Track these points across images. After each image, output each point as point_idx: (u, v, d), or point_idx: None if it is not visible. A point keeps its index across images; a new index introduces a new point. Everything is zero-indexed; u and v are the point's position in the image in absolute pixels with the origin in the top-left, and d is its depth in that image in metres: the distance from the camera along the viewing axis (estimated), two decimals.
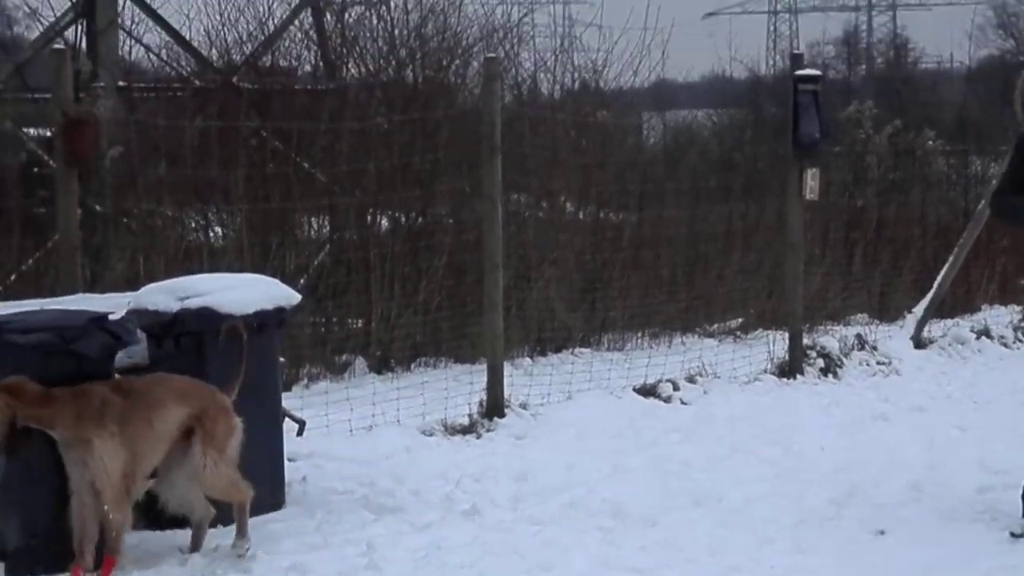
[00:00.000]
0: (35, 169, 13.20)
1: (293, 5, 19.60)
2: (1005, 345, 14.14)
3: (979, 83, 37.60)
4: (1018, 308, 15.08)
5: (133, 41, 19.68)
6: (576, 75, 19.03)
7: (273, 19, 19.01)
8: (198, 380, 7.77)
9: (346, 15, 20.48)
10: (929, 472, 9.01)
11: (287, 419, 9.22)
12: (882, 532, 8.20)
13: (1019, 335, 14.42)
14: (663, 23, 18.47)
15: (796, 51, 16.10)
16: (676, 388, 12.16)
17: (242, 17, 18.89)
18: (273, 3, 19.37)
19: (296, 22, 19.60)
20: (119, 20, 19.22)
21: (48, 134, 12.52)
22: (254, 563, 7.72)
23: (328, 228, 14.80)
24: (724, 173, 17.74)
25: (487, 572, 7.45)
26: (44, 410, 7.08)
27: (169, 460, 7.51)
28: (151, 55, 20.20)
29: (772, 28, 58.68)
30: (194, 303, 8.27)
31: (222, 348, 8.10)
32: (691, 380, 12.45)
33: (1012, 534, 7.48)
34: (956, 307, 15.01)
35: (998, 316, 15.01)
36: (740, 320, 15.12)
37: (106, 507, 7.13)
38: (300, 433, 9.43)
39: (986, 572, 7.14)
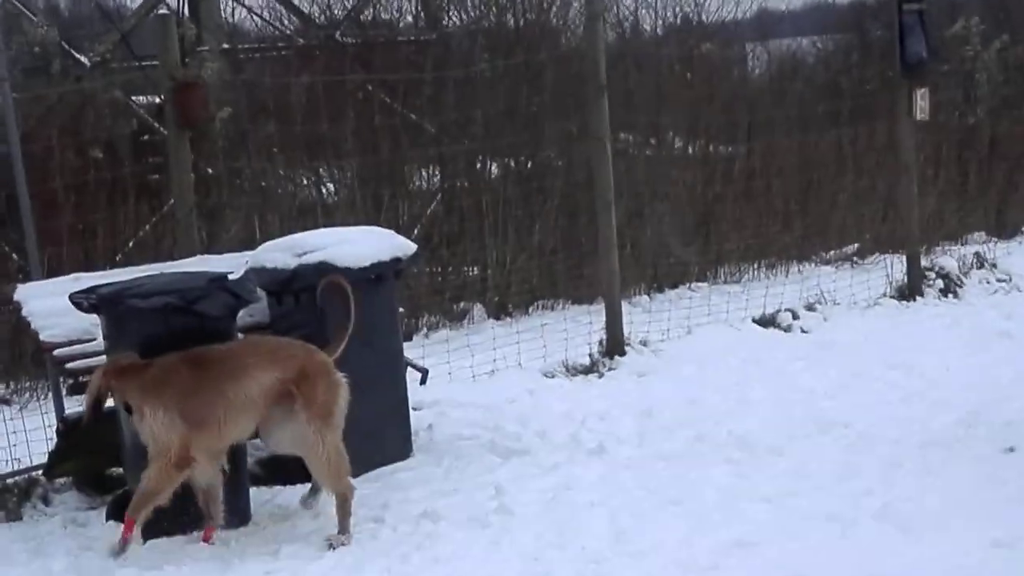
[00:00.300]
0: (146, 136, 13.30)
1: None
2: None
3: None
4: None
5: (235, 3, 19.81)
6: (678, 9, 18.97)
7: None
8: (293, 340, 7.78)
9: None
10: None
11: (410, 369, 9.28)
12: (1012, 449, 8.18)
13: None
14: None
15: None
16: (796, 317, 12.17)
17: None
18: None
19: None
20: None
21: (157, 100, 12.60)
22: (387, 511, 7.84)
23: (439, 177, 14.85)
24: (832, 99, 17.61)
25: (617, 510, 7.48)
26: (119, 382, 7.26)
27: (270, 425, 7.53)
28: (253, 16, 20.31)
29: None
30: (311, 258, 8.36)
31: (325, 302, 8.17)
32: (810, 308, 12.43)
33: None
34: None
35: None
36: (856, 246, 15.05)
37: (146, 471, 7.24)
38: (423, 382, 9.48)
39: None
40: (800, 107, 17.66)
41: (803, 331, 11.76)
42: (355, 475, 8.32)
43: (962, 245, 14.25)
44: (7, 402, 11.02)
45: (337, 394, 7.50)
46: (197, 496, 7.52)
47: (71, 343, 8.36)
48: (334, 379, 7.52)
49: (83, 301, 7.89)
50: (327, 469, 7.40)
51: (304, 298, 8.45)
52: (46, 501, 8.29)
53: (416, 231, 10.31)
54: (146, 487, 7.23)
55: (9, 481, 8.41)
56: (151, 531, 7.44)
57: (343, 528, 7.38)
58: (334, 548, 7.23)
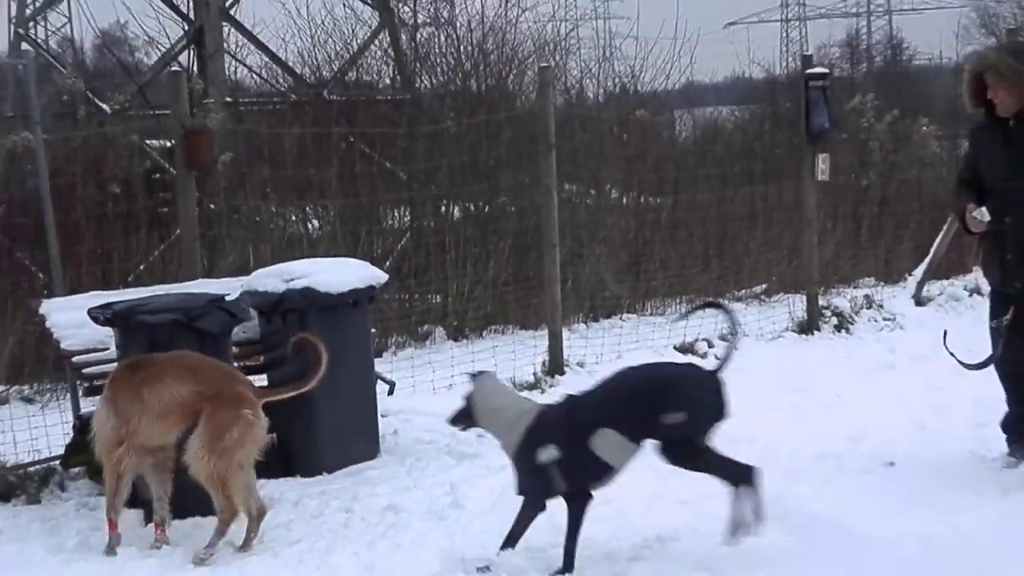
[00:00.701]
0: (157, 175, 13.29)
1: (373, 27, 19.69)
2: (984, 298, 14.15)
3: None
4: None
5: (237, 63, 19.87)
6: (617, 80, 19.11)
7: (356, 40, 19.22)
8: (224, 365, 7.65)
9: (418, 34, 20.60)
10: (931, 412, 9.04)
11: (379, 381, 9.30)
12: (892, 463, 8.28)
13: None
14: (690, 32, 18.56)
15: (806, 53, 16.17)
16: (711, 346, 12.29)
17: (329, 39, 19.22)
18: (355, 26, 19.54)
19: (376, 42, 19.68)
20: (225, 45, 19.35)
21: (168, 144, 12.60)
22: (356, 503, 7.87)
23: (409, 218, 14.95)
24: (746, 161, 17.78)
25: (555, 509, 7.45)
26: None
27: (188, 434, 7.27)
28: (253, 74, 20.39)
29: (784, 34, 58.20)
30: (298, 284, 8.43)
31: (296, 355, 8.04)
32: (723, 338, 12.49)
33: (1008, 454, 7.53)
34: (950, 270, 14.99)
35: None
36: (764, 286, 15.15)
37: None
38: (391, 393, 9.49)
39: (978, 492, 7.23)
40: (719, 167, 17.81)
41: (716, 357, 11.83)
42: (330, 471, 8.53)
43: (854, 288, 14.34)
44: (30, 401, 10.99)
45: (235, 425, 7.15)
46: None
47: (87, 351, 8.41)
48: (241, 412, 7.21)
49: (99, 316, 7.95)
50: (206, 475, 7.09)
51: (290, 318, 8.50)
52: (62, 487, 8.29)
53: (388, 263, 10.34)
54: (106, 484, 7.28)
55: (30, 469, 8.44)
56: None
57: (210, 543, 7.07)
58: (201, 562, 6.99)
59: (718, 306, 7.25)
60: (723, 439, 8.93)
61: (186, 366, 7.39)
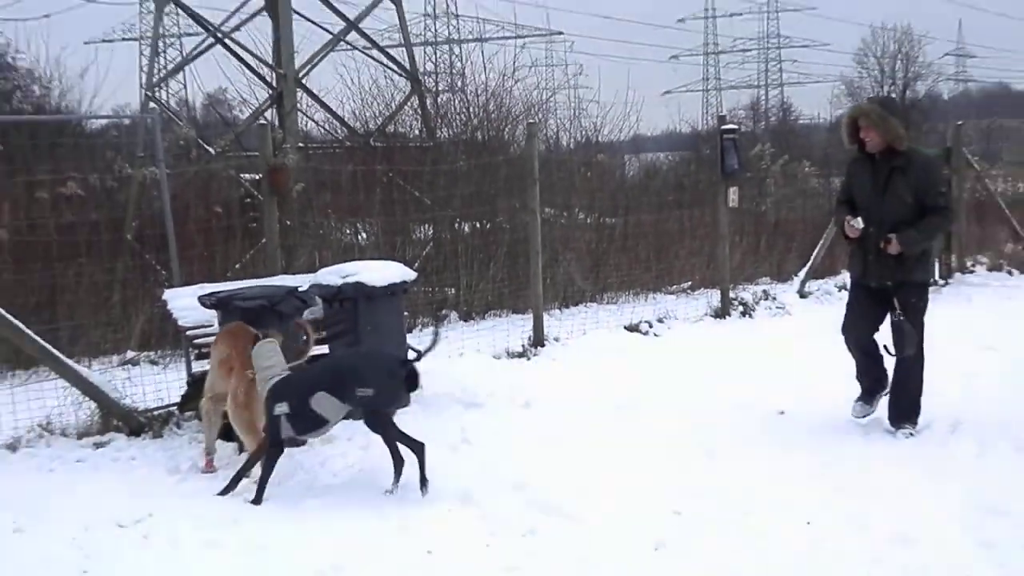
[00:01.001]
0: (248, 199, 13.31)
1: (406, 93, 19.70)
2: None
3: (836, 131, 37.76)
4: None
5: (307, 118, 19.90)
6: (583, 133, 19.18)
7: (394, 102, 19.21)
8: (248, 327, 7.48)
9: (439, 98, 20.67)
10: (811, 374, 8.98)
11: (410, 350, 9.32)
12: (782, 412, 8.23)
13: None
14: (637, 99, 18.65)
15: (721, 114, 16.10)
16: (650, 326, 12.20)
17: (374, 101, 19.21)
18: (393, 92, 19.57)
19: (408, 104, 19.70)
20: (298, 105, 19.35)
21: (256, 177, 12.64)
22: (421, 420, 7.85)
23: (431, 232, 14.94)
24: (677, 192, 17.78)
25: (537, 441, 7.55)
26: None
27: None
28: (319, 126, 20.38)
29: (705, 100, 58.10)
30: (351, 279, 8.47)
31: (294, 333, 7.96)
32: (660, 321, 12.48)
33: (855, 414, 7.55)
34: (824, 272, 14.97)
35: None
36: (689, 283, 15.14)
37: None
38: (418, 359, 9.49)
39: (844, 432, 7.38)
40: (657, 196, 17.82)
41: (655, 335, 11.84)
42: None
43: (755, 285, 14.31)
44: (155, 363, 11.01)
45: (242, 384, 7.12)
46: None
47: (197, 327, 8.47)
48: (246, 373, 7.06)
49: (206, 301, 8.01)
50: (237, 430, 7.17)
51: (346, 305, 8.52)
52: (178, 426, 8.30)
53: (416, 264, 10.39)
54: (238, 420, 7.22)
55: (155, 413, 8.46)
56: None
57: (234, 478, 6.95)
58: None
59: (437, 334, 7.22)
60: (655, 389, 9.01)
61: (231, 332, 7.52)
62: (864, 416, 7.46)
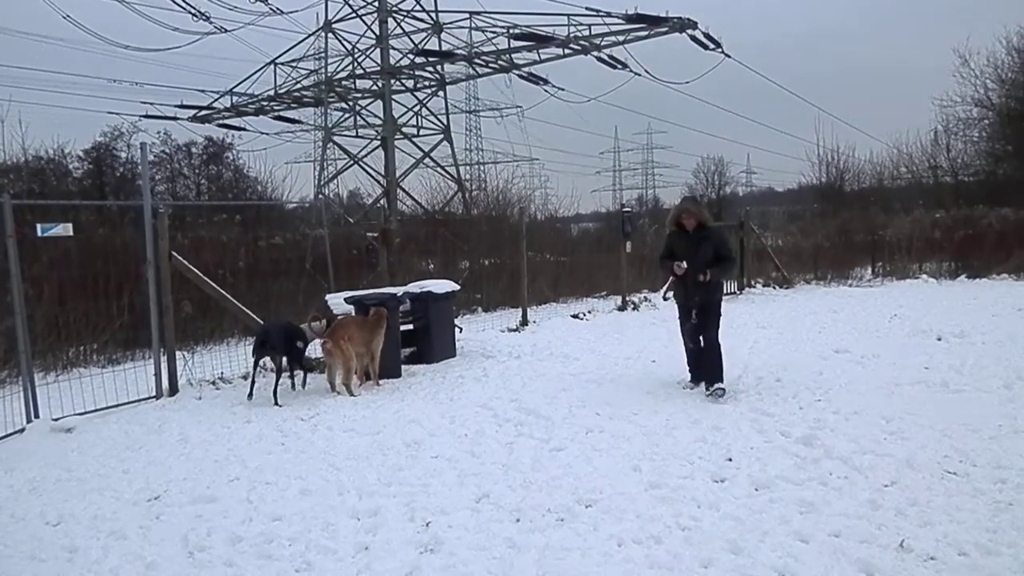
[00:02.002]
0: (370, 246, 13.28)
1: (455, 190, 19.73)
2: None
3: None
4: None
5: (401, 202, 19.90)
6: (549, 212, 19.19)
7: (448, 194, 19.25)
8: (345, 318, 7.38)
9: (472, 193, 20.64)
10: (671, 342, 8.88)
11: (456, 328, 9.29)
12: (654, 361, 8.05)
13: None
14: (577, 194, 18.85)
15: (622, 203, 16.22)
16: (585, 316, 12.10)
17: (437, 194, 19.18)
18: (447, 191, 19.57)
19: (455, 197, 19.73)
20: (398, 196, 19.35)
21: (375, 234, 12.66)
22: (447, 374, 7.75)
23: (468, 264, 14.89)
24: (600, 244, 17.76)
25: (525, 378, 7.48)
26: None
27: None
28: (408, 206, 20.39)
29: (614, 195, 57.77)
30: (424, 289, 8.44)
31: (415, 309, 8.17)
32: (589, 312, 12.41)
33: (684, 386, 6.74)
34: None
35: None
36: (605, 292, 15.04)
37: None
38: (460, 331, 9.47)
39: (678, 398, 6.92)
40: (589, 245, 17.82)
41: (587, 320, 11.75)
42: (437, 361, 8.35)
43: (640, 293, 14.16)
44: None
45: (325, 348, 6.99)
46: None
47: (344, 314, 8.34)
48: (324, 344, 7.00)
49: (349, 300, 7.96)
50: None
51: (421, 303, 8.45)
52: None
53: (460, 281, 10.39)
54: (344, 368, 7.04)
55: (318, 360, 7.93)
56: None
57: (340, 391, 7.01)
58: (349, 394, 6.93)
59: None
60: (589, 351, 8.93)
61: (337, 321, 7.27)
62: (692, 388, 6.67)
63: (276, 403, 6.66)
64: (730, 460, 4.70)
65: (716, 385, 6.38)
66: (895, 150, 29.51)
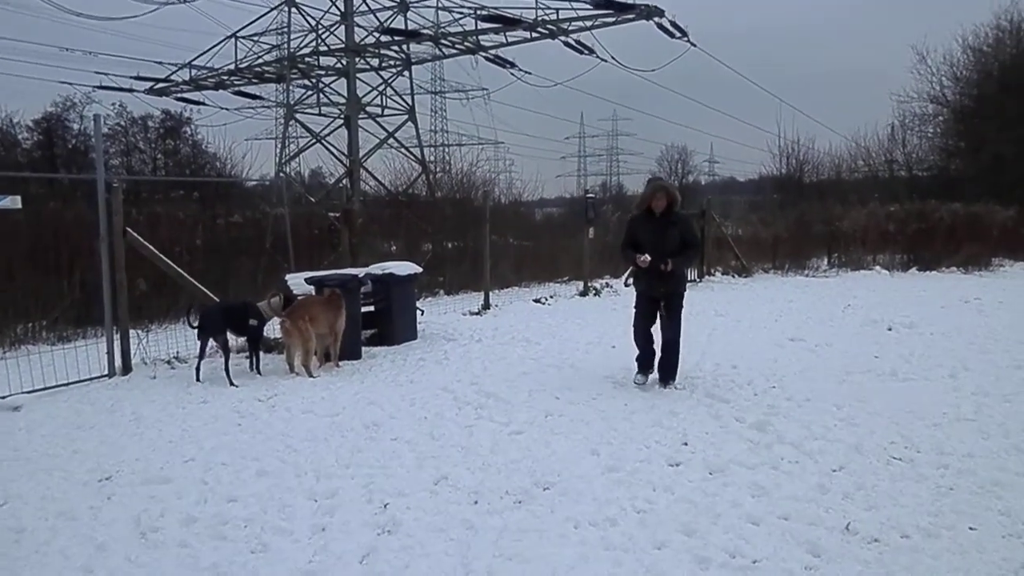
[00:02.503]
0: (332, 226, 13.13)
1: (419, 171, 19.58)
2: None
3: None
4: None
5: (366, 183, 19.68)
6: (514, 196, 19.15)
7: (412, 177, 19.08)
8: (306, 299, 7.36)
9: (436, 175, 20.50)
10: (628, 331, 8.99)
11: (418, 310, 9.25)
12: (614, 347, 8.05)
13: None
14: (542, 179, 18.81)
15: (586, 189, 16.24)
16: (547, 301, 12.11)
17: (402, 175, 19.01)
18: (412, 172, 19.40)
19: (420, 178, 19.57)
20: (361, 176, 19.12)
21: (337, 214, 12.51)
22: (408, 356, 7.72)
23: (431, 246, 14.80)
24: (563, 229, 17.81)
25: (486, 361, 7.48)
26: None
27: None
28: (371, 187, 20.19)
29: (578, 180, 58.01)
30: (387, 271, 8.36)
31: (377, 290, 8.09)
32: (551, 297, 12.43)
33: (635, 383, 6.30)
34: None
35: None
36: (568, 277, 15.08)
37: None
38: (422, 314, 9.43)
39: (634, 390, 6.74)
40: (553, 230, 17.87)
41: (549, 304, 11.75)
42: (398, 343, 8.30)
43: (602, 279, 14.23)
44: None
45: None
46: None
47: (303, 294, 8.26)
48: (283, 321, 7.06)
49: (309, 280, 7.85)
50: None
51: (383, 285, 8.38)
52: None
53: (422, 263, 10.33)
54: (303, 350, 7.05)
55: (277, 340, 8.00)
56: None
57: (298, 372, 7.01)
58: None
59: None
60: (548, 333, 8.96)
61: (299, 301, 7.23)
62: (643, 384, 6.29)
63: (231, 383, 6.57)
64: (686, 444, 4.78)
65: (670, 383, 6.20)
66: (853, 144, 30.23)
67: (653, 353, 6.39)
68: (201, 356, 6.88)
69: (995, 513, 3.71)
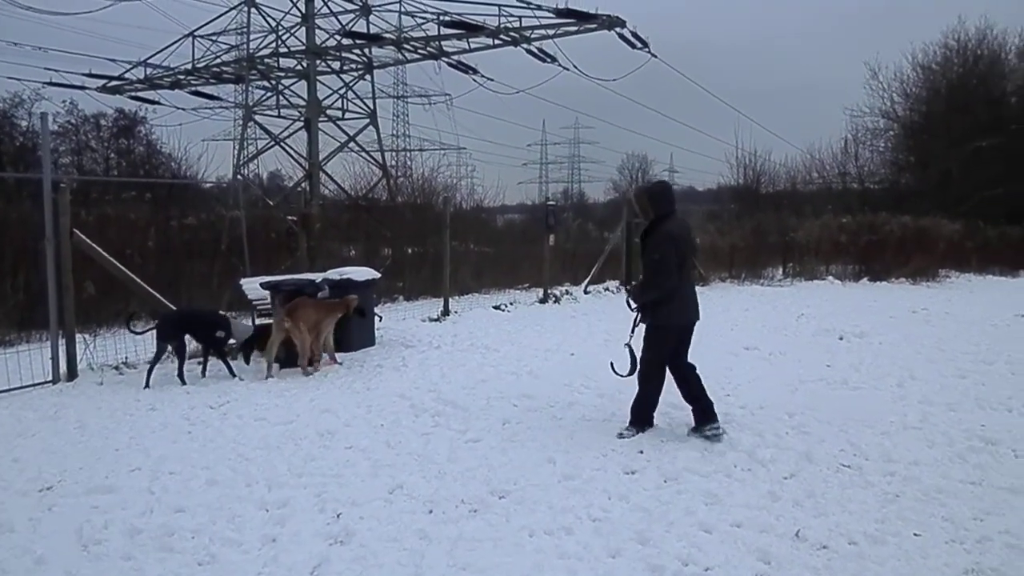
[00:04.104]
0: (289, 230, 12.96)
1: (379, 176, 19.44)
2: (612, 293, 14.26)
3: (613, 205, 37.85)
4: (615, 282, 15.07)
5: (325, 186, 19.47)
6: (475, 201, 19.12)
7: (372, 181, 18.93)
8: (303, 302, 7.36)
9: (397, 180, 20.38)
10: (589, 335, 9.02)
11: (376, 316, 9.17)
12: (573, 354, 8.10)
13: (614, 290, 14.50)
14: (503, 185, 18.91)
15: (546, 196, 16.40)
16: (506, 308, 12.13)
17: (361, 179, 18.85)
18: (372, 176, 19.26)
19: (380, 183, 19.43)
20: (320, 180, 18.91)
21: (295, 218, 12.35)
22: (366, 363, 7.66)
23: (390, 251, 14.69)
24: (523, 236, 17.79)
25: (444, 368, 7.45)
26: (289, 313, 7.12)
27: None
28: (330, 191, 19.95)
29: (539, 187, 58.13)
30: (345, 276, 8.24)
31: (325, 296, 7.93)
32: (511, 303, 12.46)
33: (619, 435, 5.11)
34: (598, 280, 15.05)
35: (613, 283, 15.12)
36: (528, 284, 15.14)
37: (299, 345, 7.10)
38: (380, 320, 9.37)
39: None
40: (514, 237, 17.87)
41: (508, 311, 11.80)
42: (356, 349, 8.21)
43: (561, 286, 14.30)
44: (235, 318, 10.66)
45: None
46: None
47: (259, 300, 8.17)
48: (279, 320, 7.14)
49: (264, 285, 7.76)
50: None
51: (340, 290, 8.25)
52: (247, 360, 7.94)
53: (381, 269, 10.26)
54: (300, 347, 7.10)
55: (234, 346, 8.02)
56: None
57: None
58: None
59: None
60: (508, 339, 8.97)
61: (293, 303, 7.26)
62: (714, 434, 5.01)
63: (183, 382, 6.53)
64: (641, 452, 4.81)
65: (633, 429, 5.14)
66: (808, 156, 30.88)
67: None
68: (156, 361, 6.77)
69: (939, 520, 3.80)
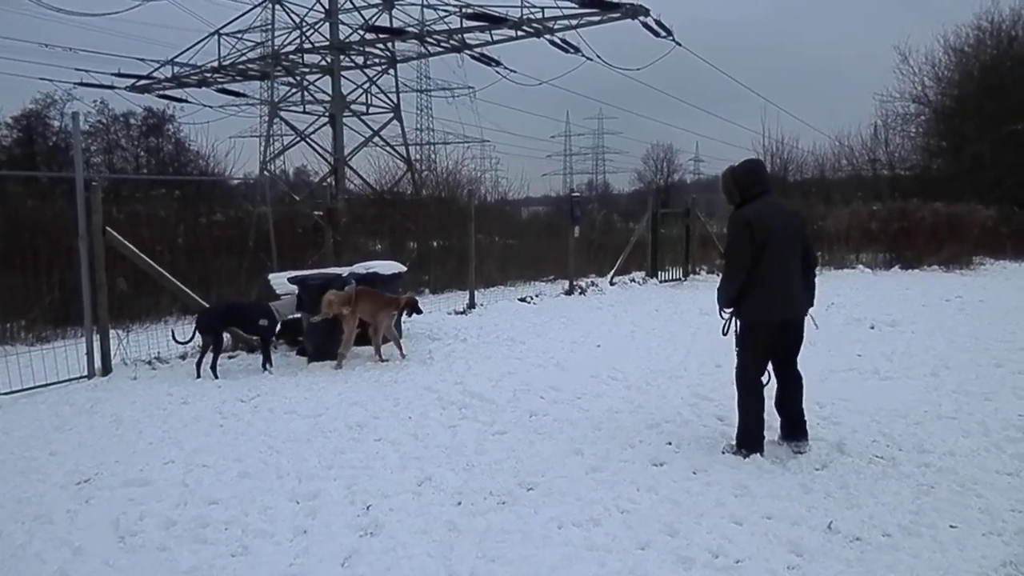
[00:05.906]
0: (316, 225, 13.04)
1: (404, 170, 19.49)
2: (638, 284, 14.17)
3: (635, 196, 37.59)
4: (640, 273, 14.94)
5: (351, 181, 19.58)
6: (499, 194, 19.10)
7: (399, 174, 18.99)
8: (364, 291, 7.52)
9: (422, 174, 20.42)
10: (615, 327, 8.98)
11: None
12: (599, 346, 8.12)
13: (640, 281, 14.42)
14: (528, 177, 18.84)
15: (571, 187, 16.29)
16: (532, 300, 12.08)
17: (386, 174, 18.92)
18: (397, 170, 19.32)
19: (405, 176, 19.49)
20: (346, 174, 19.02)
21: (321, 213, 12.43)
22: (394, 352, 7.72)
23: (415, 245, 14.75)
24: (548, 228, 17.79)
25: (470, 360, 7.46)
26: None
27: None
28: (356, 185, 20.07)
29: (564, 179, 57.98)
30: (371, 270, 8.23)
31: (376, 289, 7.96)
32: (537, 296, 12.42)
33: (722, 452, 4.54)
34: (623, 271, 14.98)
35: (639, 274, 15.01)
36: (553, 276, 15.07)
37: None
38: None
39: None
40: (538, 229, 17.84)
41: (534, 304, 11.74)
42: (387, 343, 8.32)
43: (587, 277, 14.22)
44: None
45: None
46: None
47: (287, 294, 8.20)
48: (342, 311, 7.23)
49: (292, 280, 7.80)
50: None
51: (366, 284, 8.30)
52: (275, 347, 8.02)
53: (407, 263, 10.28)
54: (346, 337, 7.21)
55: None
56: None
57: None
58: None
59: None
60: (532, 331, 8.96)
61: (360, 291, 7.41)
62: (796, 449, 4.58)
63: (215, 376, 6.79)
64: (669, 444, 4.78)
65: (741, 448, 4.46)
66: (837, 143, 30.38)
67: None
68: (203, 353, 7.00)
69: (975, 511, 3.73)
